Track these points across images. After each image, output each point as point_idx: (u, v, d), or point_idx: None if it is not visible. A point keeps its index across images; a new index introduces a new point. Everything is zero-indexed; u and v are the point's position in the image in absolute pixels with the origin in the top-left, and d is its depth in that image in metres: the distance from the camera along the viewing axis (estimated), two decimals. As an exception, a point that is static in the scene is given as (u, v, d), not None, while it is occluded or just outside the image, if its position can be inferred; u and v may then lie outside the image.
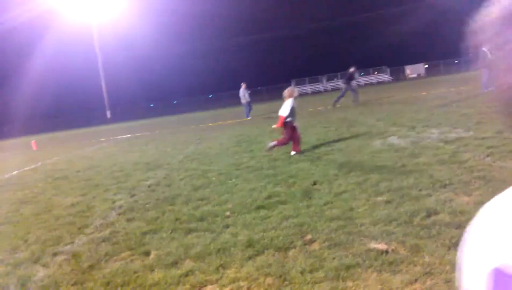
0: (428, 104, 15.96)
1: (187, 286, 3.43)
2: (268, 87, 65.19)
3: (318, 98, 37.10)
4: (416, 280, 2.99)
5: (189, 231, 4.72)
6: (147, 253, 4.25)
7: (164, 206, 5.93)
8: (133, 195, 6.91)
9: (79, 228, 5.44)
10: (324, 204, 5.03)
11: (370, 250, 3.56)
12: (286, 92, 8.73)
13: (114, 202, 6.67)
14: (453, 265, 3.10)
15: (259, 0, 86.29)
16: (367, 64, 62.22)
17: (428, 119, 11.34)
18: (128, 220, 5.53)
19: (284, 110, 8.52)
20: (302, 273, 3.33)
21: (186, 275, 3.61)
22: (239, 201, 5.65)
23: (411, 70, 62.48)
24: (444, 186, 5.04)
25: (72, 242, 4.92)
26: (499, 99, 0.56)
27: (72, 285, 3.76)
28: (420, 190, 5.01)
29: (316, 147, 9.22)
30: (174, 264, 3.87)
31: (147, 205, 6.13)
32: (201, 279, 3.50)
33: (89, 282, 3.76)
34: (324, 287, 3.09)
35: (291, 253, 3.76)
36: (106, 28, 55.49)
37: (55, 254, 4.59)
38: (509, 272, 0.50)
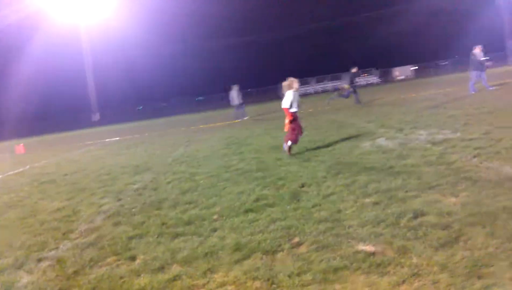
0: (416, 106, 16.06)
1: (174, 291, 3.39)
2: (258, 89, 65.32)
3: (308, 100, 37.18)
4: (403, 282, 2.98)
5: (176, 235, 4.67)
6: (133, 258, 4.20)
7: (151, 210, 5.88)
8: (119, 199, 6.84)
9: (64, 233, 5.37)
10: (312, 206, 5.02)
11: (357, 252, 3.55)
12: (284, 84, 8.71)
13: (100, 206, 6.60)
14: (440, 266, 3.10)
15: (250, 2, 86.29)
16: (357, 66, 62.34)
17: (416, 120, 11.40)
18: (114, 224, 5.47)
19: (285, 102, 8.53)
20: (290, 276, 3.31)
21: (173, 279, 3.57)
22: (227, 204, 5.61)
23: (399, 72, 62.97)
24: (432, 187, 5.06)
25: (57, 248, 4.84)
26: None
27: (57, 291, 3.70)
28: (408, 191, 5.02)
29: (305, 149, 9.21)
30: (161, 269, 3.83)
31: (134, 209, 6.07)
32: (188, 283, 3.46)
33: (74, 288, 3.71)
34: (312, 290, 3.07)
35: (279, 256, 3.74)
36: (94, 30, 55.15)
37: (39, 260, 4.51)
38: None
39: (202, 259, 3.89)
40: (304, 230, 4.26)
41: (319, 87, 61.53)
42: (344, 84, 22.47)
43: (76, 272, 4.04)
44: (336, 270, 3.29)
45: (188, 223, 5.05)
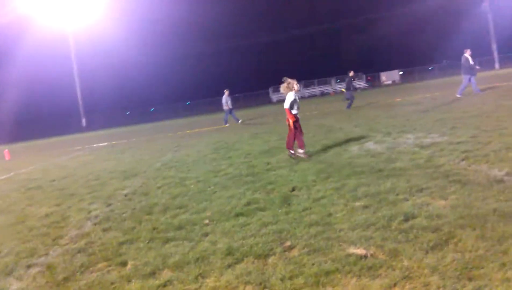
0: (404, 110, 16.22)
1: (166, 296, 3.37)
2: (246, 94, 65.36)
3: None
4: (395, 285, 3.00)
5: (167, 240, 4.65)
6: (124, 264, 4.17)
7: (141, 215, 5.84)
8: (109, 205, 6.79)
9: (54, 239, 5.31)
10: (303, 210, 5.03)
11: (349, 255, 3.56)
12: (283, 85, 8.70)
13: (89, 212, 6.54)
14: (431, 269, 3.13)
15: (237, 8, 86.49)
16: (344, 71, 62.84)
17: (404, 124, 11.50)
18: (104, 230, 5.42)
19: (287, 103, 8.50)
20: (282, 280, 3.31)
21: (164, 285, 3.55)
22: (217, 209, 5.60)
23: (386, 77, 63.49)
24: (421, 190, 5.10)
25: (47, 254, 4.79)
26: None
27: (46, 298, 3.66)
28: (397, 194, 5.06)
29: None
30: (152, 274, 3.80)
31: (124, 215, 6.02)
32: (180, 288, 3.45)
33: (64, 295, 3.67)
34: (304, 294, 3.08)
35: (270, 260, 3.74)
36: (82, 35, 54.81)
37: (29, 266, 4.46)
38: None
39: (193, 264, 3.88)
40: (296, 234, 4.27)
41: (306, 92, 61.82)
42: (342, 88, 22.64)
43: (66, 278, 3.99)
44: (327, 273, 3.30)
45: (179, 228, 5.03)
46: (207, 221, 5.12)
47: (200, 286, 3.43)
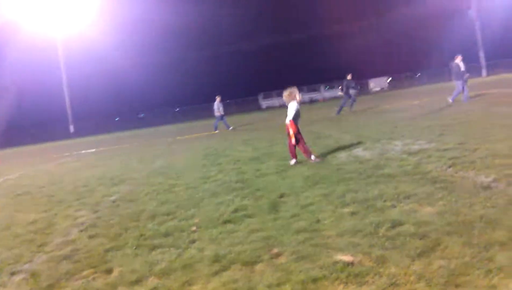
0: (392, 117, 16.33)
1: (151, 304, 3.33)
2: (236, 100, 65.35)
3: (285, 111, 37.40)
4: (382, 292, 3.00)
5: (154, 247, 4.61)
6: (109, 271, 4.12)
7: (128, 222, 5.80)
8: (96, 211, 6.72)
9: (39, 246, 5.24)
10: (291, 217, 5.02)
11: (336, 262, 3.56)
12: (285, 94, 8.67)
13: (76, 218, 6.47)
14: (418, 275, 3.13)
15: (225, 13, 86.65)
16: (333, 78, 63.20)
17: (392, 131, 11.57)
18: (90, 237, 5.37)
19: (290, 114, 8.44)
20: (269, 287, 3.29)
21: (150, 292, 3.52)
22: (206, 216, 5.57)
23: (374, 84, 63.92)
24: (408, 197, 5.12)
25: (31, 261, 4.72)
26: None
27: (30, 306, 3.61)
28: (385, 201, 5.07)
29: (283, 159, 9.24)
30: (138, 281, 3.76)
31: (111, 221, 5.97)
32: (166, 296, 3.41)
33: (48, 303, 3.61)
34: (291, 301, 3.06)
35: (258, 267, 3.72)
36: (71, 41, 54.49)
37: (13, 273, 4.39)
38: None
39: (180, 271, 3.84)
40: (283, 241, 4.26)
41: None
42: (339, 92, 22.81)
43: (51, 286, 3.94)
44: (315, 280, 3.28)
45: (166, 234, 4.99)
46: (194, 228, 5.09)
47: (187, 294, 3.40)
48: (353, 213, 4.80)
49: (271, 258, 3.87)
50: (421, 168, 6.52)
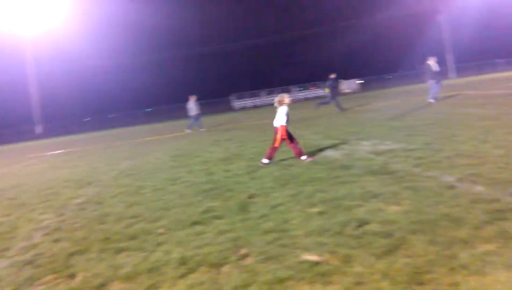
0: (362, 118, 16.55)
1: (115, 308, 3.25)
2: (208, 101, 65.05)
3: (257, 112, 37.48)
4: (347, 291, 3.01)
5: (119, 250, 4.51)
6: (72, 276, 4.01)
7: (94, 225, 5.66)
8: (61, 215, 6.54)
9: (1, 251, 5.06)
10: (260, 217, 5.00)
11: (303, 262, 3.56)
12: (276, 99, 8.62)
13: (40, 222, 6.28)
14: (382, 274, 3.15)
15: (198, 14, 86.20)
16: (305, 80, 63.78)
17: (361, 132, 11.71)
18: (54, 241, 5.21)
19: (282, 119, 8.34)
20: (235, 288, 3.27)
21: (114, 297, 3.44)
22: (173, 218, 5.49)
23: (346, 85, 64.65)
24: (375, 196, 5.18)
25: (-9, 267, 4.56)
26: None
27: (-13, 314, 3.47)
28: (352, 200, 5.11)
29: (253, 160, 9.23)
30: (102, 286, 3.67)
31: (75, 225, 5.82)
32: (130, 300, 3.34)
33: (7, 310, 3.49)
34: (257, 303, 3.04)
35: (224, 269, 3.68)
36: (39, 40, 53.20)
37: (-29, 281, 4.23)
38: None
39: (145, 274, 3.77)
40: (251, 241, 4.23)
41: (269, 99, 62.18)
42: (326, 89, 23.01)
43: (10, 293, 3.81)
44: (281, 280, 3.27)
45: (133, 237, 4.89)
46: (161, 230, 5.01)
47: (151, 297, 3.34)
48: (321, 213, 4.82)
49: (239, 259, 3.84)
50: (388, 168, 6.61)
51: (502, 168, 5.75)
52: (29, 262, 4.54)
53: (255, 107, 58.08)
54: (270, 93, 63.62)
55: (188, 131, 22.85)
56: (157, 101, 68.13)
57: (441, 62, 19.50)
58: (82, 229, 5.59)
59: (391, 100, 26.02)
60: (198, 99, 23.63)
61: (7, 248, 5.18)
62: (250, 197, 6.04)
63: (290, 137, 8.47)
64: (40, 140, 43.22)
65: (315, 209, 4.99)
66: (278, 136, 8.34)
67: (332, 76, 22.16)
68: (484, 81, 34.42)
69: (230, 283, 3.35)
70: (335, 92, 22.47)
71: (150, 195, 7.04)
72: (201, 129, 22.91)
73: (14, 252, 4.97)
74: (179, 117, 42.89)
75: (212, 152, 11.89)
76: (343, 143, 9.92)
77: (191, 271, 3.72)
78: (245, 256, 3.90)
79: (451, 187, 5.18)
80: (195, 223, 5.12)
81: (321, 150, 9.36)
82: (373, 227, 4.14)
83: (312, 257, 3.61)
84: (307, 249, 3.82)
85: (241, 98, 62.48)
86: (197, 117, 23.32)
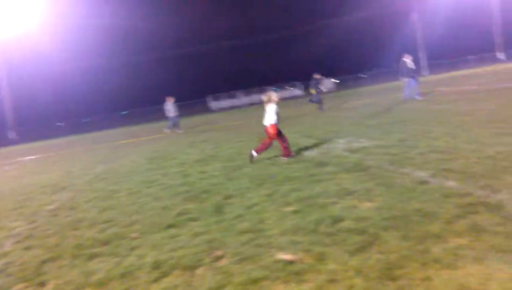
0: (338, 116, 16.67)
1: (86, 316, 3.18)
2: (184, 103, 64.69)
3: (234, 113, 37.40)
4: (320, 288, 3.00)
5: (92, 256, 4.43)
6: (44, 284, 3.91)
7: (67, 231, 5.55)
8: (33, 221, 6.39)
9: (-31, 261, 4.92)
10: (235, 218, 4.98)
11: (277, 261, 3.54)
12: (264, 98, 8.55)
13: (11, 229, 6.12)
14: (355, 271, 3.16)
15: (173, 16, 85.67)
16: (281, 80, 64.06)
17: (337, 130, 11.79)
18: (26, 248, 5.09)
19: (272, 117, 8.31)
20: (209, 291, 3.23)
21: (86, 304, 3.36)
22: (148, 221, 5.42)
23: (322, 85, 65.12)
24: (349, 193, 5.21)
25: (-41, 277, 4.42)
26: None
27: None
28: (327, 198, 5.14)
29: (230, 160, 9.19)
30: (73, 293, 3.60)
31: (48, 231, 5.69)
32: (102, 306, 3.27)
33: (-26, 321, 3.38)
34: (231, 304, 3.01)
35: (199, 271, 3.64)
36: (10, 44, 52.02)
37: None
38: None
39: (118, 280, 3.70)
40: (226, 243, 4.20)
41: (246, 100, 62.22)
42: (311, 90, 23.03)
43: (-23, 304, 3.69)
44: (255, 281, 3.25)
45: (106, 243, 4.81)
46: (135, 235, 4.94)
47: (124, 303, 3.28)
48: (296, 212, 4.83)
49: (213, 261, 3.81)
50: (362, 165, 6.66)
51: (474, 163, 5.86)
52: (0, 271, 4.42)
53: (232, 108, 58.01)
54: (246, 94, 63.70)
55: (167, 131, 22.73)
56: (133, 104, 67.47)
57: (414, 60, 19.76)
58: (54, 235, 5.47)
59: (366, 98, 26.31)
60: (175, 101, 23.44)
61: (-24, 257, 5.02)
62: (226, 198, 6.00)
63: (280, 135, 8.44)
64: (13, 145, 42.27)
65: (291, 208, 4.99)
66: (269, 135, 8.36)
67: (317, 76, 22.25)
68: (457, 78, 35.08)
69: (204, 286, 3.32)
70: (320, 91, 22.54)
71: (125, 199, 6.94)
72: (179, 131, 22.75)
73: (-17, 262, 4.83)
74: (155, 119, 42.51)
75: (188, 153, 11.80)
76: (320, 141, 9.97)
77: (165, 275, 3.66)
78: (220, 257, 3.87)
79: (424, 182, 5.24)
80: (170, 226, 5.07)
81: (298, 148, 9.39)
82: (347, 224, 4.16)
83: (287, 256, 3.60)
84: (282, 249, 3.80)
85: (218, 99, 62.39)
86: (175, 119, 23.15)
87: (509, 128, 7.93)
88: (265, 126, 8.51)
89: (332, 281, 3.07)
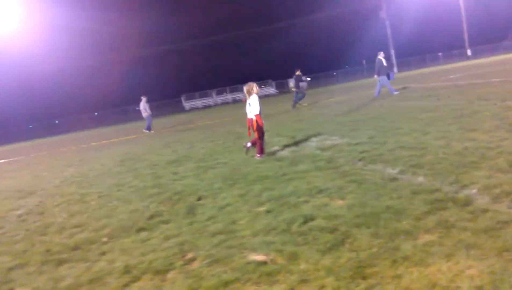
0: (309, 114, 16.77)
1: (54, 325, 3.10)
2: (158, 103, 64.07)
3: (208, 112, 37.24)
4: (292, 289, 3.00)
5: (61, 262, 4.32)
6: (10, 292, 3.80)
7: (35, 237, 5.40)
8: (0, 227, 6.21)
9: None
10: (208, 219, 4.94)
11: (249, 262, 3.52)
12: (246, 88, 8.42)
13: (-24, 237, 5.94)
14: (327, 270, 3.17)
15: (145, 16, 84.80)
16: (254, 78, 63.96)
17: (308, 128, 11.86)
18: (-9, 256, 4.94)
19: (256, 108, 8.17)
20: (180, 295, 3.19)
21: (54, 312, 3.28)
22: (118, 225, 5.33)
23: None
24: (320, 191, 5.23)
25: None
26: None
27: None
28: (299, 197, 5.14)
29: (202, 161, 9.13)
30: (40, 301, 3.50)
31: (15, 237, 5.53)
32: (70, 314, 3.19)
33: None
34: (202, 308, 2.98)
35: (170, 275, 3.59)
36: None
37: None
38: None
39: (87, 286, 3.62)
40: (198, 245, 4.16)
41: (219, 99, 62.09)
42: (291, 87, 23.22)
43: None
44: (227, 283, 3.23)
45: (75, 248, 4.70)
46: (105, 239, 4.84)
47: (93, 310, 3.21)
48: (268, 211, 4.82)
49: (185, 264, 3.76)
50: (333, 163, 6.70)
51: (443, 159, 5.95)
52: (-37, 281, 4.27)
53: (205, 107, 57.76)
54: (219, 93, 63.54)
55: (146, 131, 22.58)
56: (104, 105, 66.35)
57: (385, 57, 20.13)
58: (22, 241, 5.32)
59: (337, 96, 26.56)
60: (149, 101, 23.22)
61: None
62: (198, 199, 5.96)
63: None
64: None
65: (263, 208, 4.98)
66: (256, 127, 8.22)
67: (298, 72, 22.39)
68: (426, 74, 35.78)
69: (175, 290, 3.27)
70: (301, 88, 22.70)
71: (95, 203, 6.81)
72: (150, 131, 22.53)
73: None
74: (127, 120, 42.00)
75: (161, 154, 11.68)
76: (291, 140, 10.00)
77: (135, 279, 3.60)
78: (191, 260, 3.82)
79: (394, 179, 5.30)
80: (141, 229, 4.99)
81: (269, 148, 9.38)
82: (318, 222, 4.17)
83: (259, 257, 3.59)
84: (254, 249, 3.79)
85: (191, 98, 62.06)
86: (149, 118, 22.94)
87: (477, 124, 8.11)
88: (249, 119, 8.41)
89: (303, 281, 3.07)
